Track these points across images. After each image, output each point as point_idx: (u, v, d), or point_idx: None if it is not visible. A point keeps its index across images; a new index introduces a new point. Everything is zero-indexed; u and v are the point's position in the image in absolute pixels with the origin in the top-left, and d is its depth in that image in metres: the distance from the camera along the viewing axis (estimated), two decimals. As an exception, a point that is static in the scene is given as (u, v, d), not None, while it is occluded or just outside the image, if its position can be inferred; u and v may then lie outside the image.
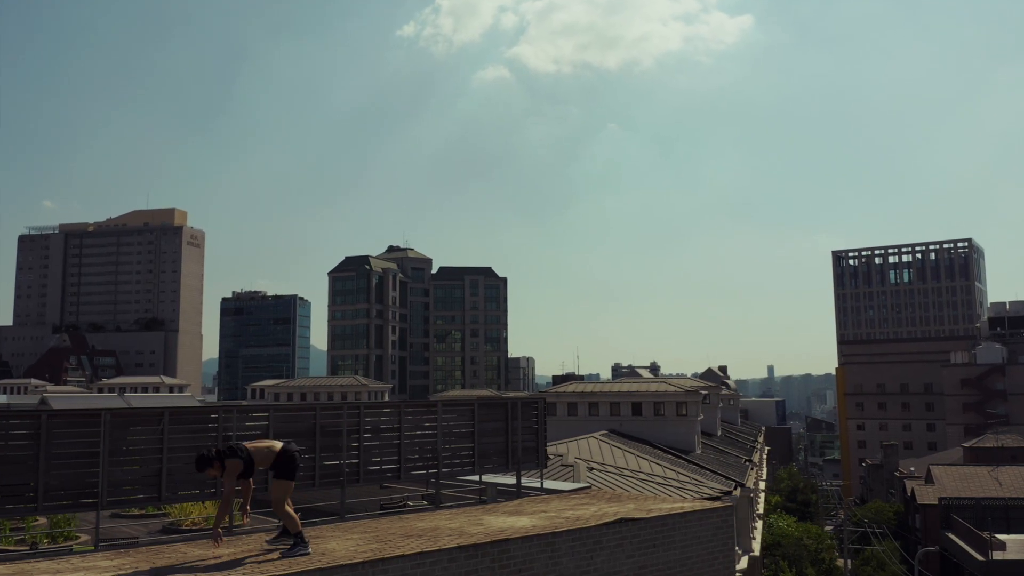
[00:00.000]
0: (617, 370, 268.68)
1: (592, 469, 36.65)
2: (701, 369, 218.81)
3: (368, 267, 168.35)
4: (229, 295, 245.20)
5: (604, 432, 47.85)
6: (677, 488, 34.81)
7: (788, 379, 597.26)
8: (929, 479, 72.28)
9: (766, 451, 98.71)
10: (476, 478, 14.41)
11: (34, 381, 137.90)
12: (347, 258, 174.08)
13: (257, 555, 9.28)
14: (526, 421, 14.20)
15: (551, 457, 38.32)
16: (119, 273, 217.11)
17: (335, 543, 9.93)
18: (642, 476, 36.93)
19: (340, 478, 11.87)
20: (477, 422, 13.52)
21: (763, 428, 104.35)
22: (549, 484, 14.84)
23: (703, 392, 57.69)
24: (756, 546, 44.72)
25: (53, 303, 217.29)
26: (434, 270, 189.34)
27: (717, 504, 12.73)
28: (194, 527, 13.26)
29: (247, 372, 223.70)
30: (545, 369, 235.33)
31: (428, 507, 13.24)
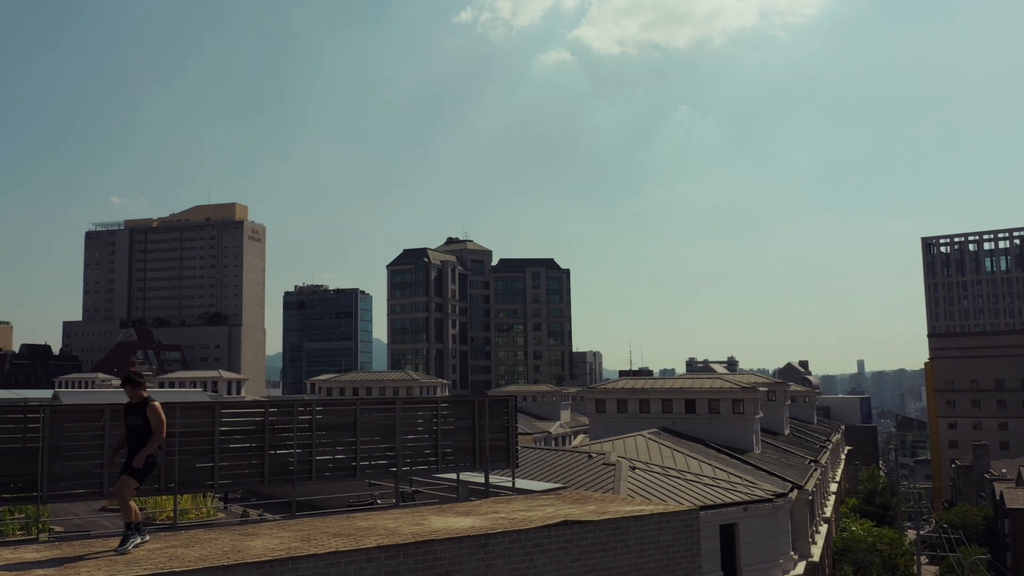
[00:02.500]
0: (692, 365, 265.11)
1: (635, 469, 36.46)
2: (784, 364, 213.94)
3: (426, 260, 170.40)
4: (291, 289, 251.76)
5: (654, 430, 47.44)
6: (725, 489, 34.33)
7: (880, 375, 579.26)
8: (1021, 481, 69.29)
9: (845, 451, 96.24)
10: (453, 476, 14.65)
11: (101, 375, 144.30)
12: (405, 251, 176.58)
13: (176, 547, 9.71)
14: (495, 420, 14.35)
15: (592, 456, 38.32)
16: (183, 268, 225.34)
17: (261, 540, 10.29)
18: (689, 476, 36.53)
19: (288, 475, 12.26)
20: (441, 421, 13.74)
21: (842, 427, 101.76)
22: (523, 484, 14.96)
23: (763, 389, 56.61)
24: (816, 551, 43.65)
25: (120, 298, 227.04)
26: (494, 262, 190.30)
27: (681, 508, 12.64)
28: (168, 521, 13.87)
29: (311, 366, 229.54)
30: (613, 364, 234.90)
31: (388, 505, 13.54)
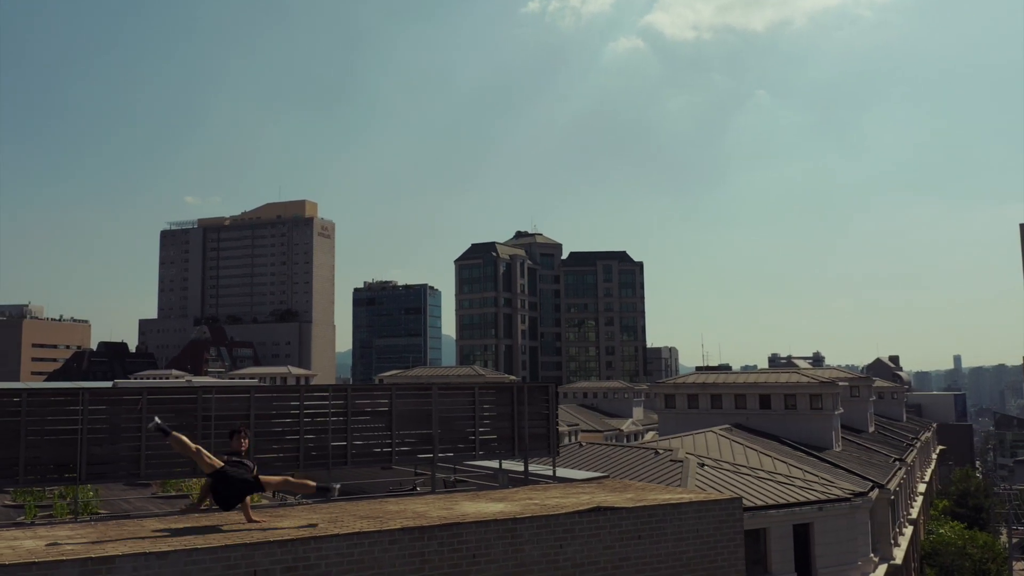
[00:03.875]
0: (775, 361, 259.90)
1: (704, 466, 36.11)
2: (873, 360, 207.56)
3: (495, 254, 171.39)
4: (360, 285, 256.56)
5: (726, 427, 47.00)
6: (800, 488, 33.73)
7: (977, 370, 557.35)
8: None
9: (937, 450, 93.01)
10: (495, 464, 14.81)
11: (175, 372, 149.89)
12: (473, 245, 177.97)
13: (216, 526, 10.08)
14: (535, 407, 14.41)
15: (659, 452, 38.10)
16: (254, 266, 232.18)
17: (289, 521, 10.60)
18: (761, 474, 36.01)
19: (323, 460, 12.58)
20: (479, 407, 13.87)
21: (933, 425, 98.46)
22: (564, 473, 14.98)
23: (843, 384, 55.22)
24: (899, 554, 42.46)
25: (194, 296, 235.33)
26: (564, 255, 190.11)
27: (723, 496, 12.47)
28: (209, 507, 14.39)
29: (380, 363, 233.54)
30: (690, 360, 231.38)
31: (425, 492, 13.74)
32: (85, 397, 11.09)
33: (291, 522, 10.54)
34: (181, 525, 10.42)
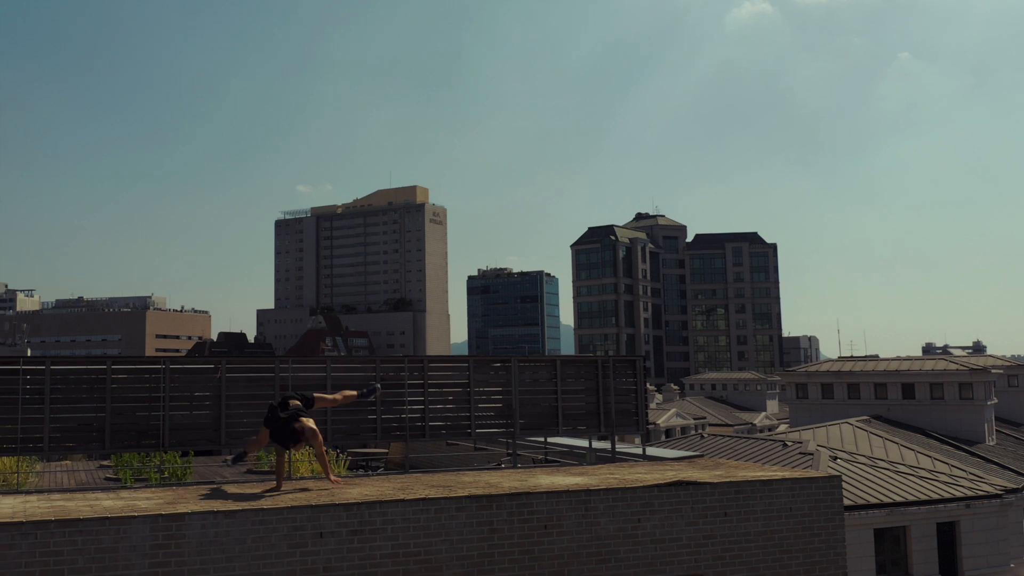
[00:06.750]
0: (929, 351, 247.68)
1: (836, 459, 35.30)
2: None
3: (613, 238, 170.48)
4: (474, 273, 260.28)
5: (864, 418, 46.14)
6: (944, 484, 32.52)
7: None
8: None
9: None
10: (584, 443, 15.04)
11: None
12: (590, 229, 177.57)
13: (286, 493, 10.71)
14: (621, 382, 14.49)
15: (787, 444, 37.48)
16: (367, 254, 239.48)
17: (359, 489, 11.12)
18: (901, 468, 34.96)
19: (400, 433, 13.08)
20: (560, 381, 14.07)
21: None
22: (655, 452, 15.00)
23: (997, 371, 52.41)
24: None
25: (309, 285, 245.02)
26: (689, 238, 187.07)
27: (820, 474, 12.21)
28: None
29: (498, 353, 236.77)
30: (832, 349, 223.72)
31: (506, 467, 14.08)
32: (167, 366, 11.98)
33: (361, 489, 11.06)
34: (258, 491, 11.12)
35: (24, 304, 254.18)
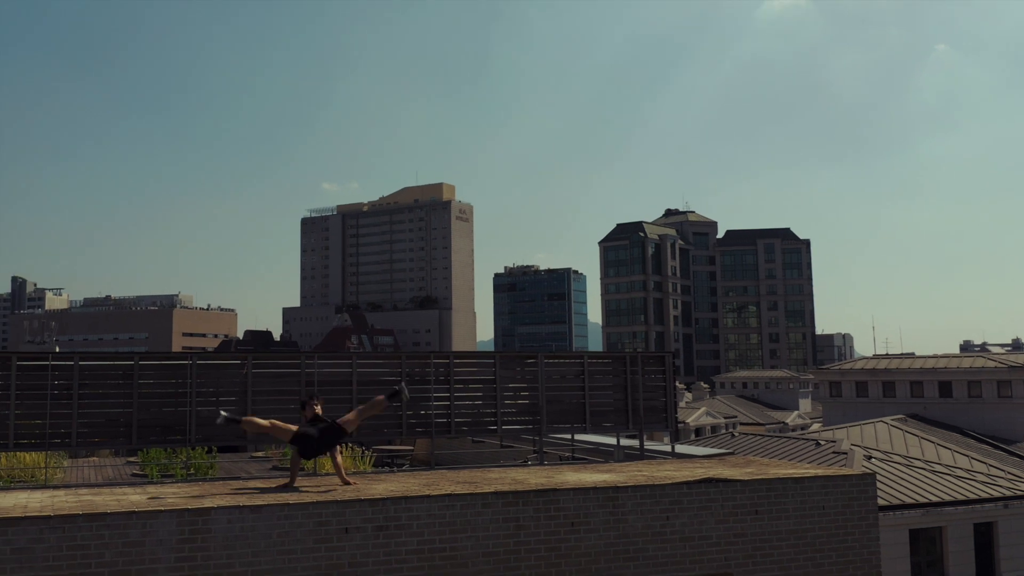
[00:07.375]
0: (967, 348, 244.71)
1: (871, 458, 35.06)
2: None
3: (642, 234, 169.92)
4: (501, 270, 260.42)
5: (900, 416, 45.92)
6: (982, 483, 32.21)
7: None
8: None
9: None
10: (613, 440, 15.02)
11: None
12: (619, 225, 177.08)
13: (304, 490, 10.80)
14: (650, 378, 14.44)
15: (821, 443, 37.28)
16: (393, 252, 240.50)
17: (385, 485, 11.19)
18: (937, 468, 34.69)
19: (426, 429, 13.13)
20: (588, 377, 14.05)
21: None
22: (684, 449, 14.94)
23: (1040, 368, 51.76)
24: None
25: (335, 283, 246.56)
26: (720, 234, 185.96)
27: (854, 471, 12.10)
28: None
29: (524, 351, 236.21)
30: (867, 348, 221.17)
31: (533, 464, 14.09)
32: (194, 362, 12.11)
33: (387, 485, 11.12)
34: (272, 486, 11.22)
35: (53, 303, 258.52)
